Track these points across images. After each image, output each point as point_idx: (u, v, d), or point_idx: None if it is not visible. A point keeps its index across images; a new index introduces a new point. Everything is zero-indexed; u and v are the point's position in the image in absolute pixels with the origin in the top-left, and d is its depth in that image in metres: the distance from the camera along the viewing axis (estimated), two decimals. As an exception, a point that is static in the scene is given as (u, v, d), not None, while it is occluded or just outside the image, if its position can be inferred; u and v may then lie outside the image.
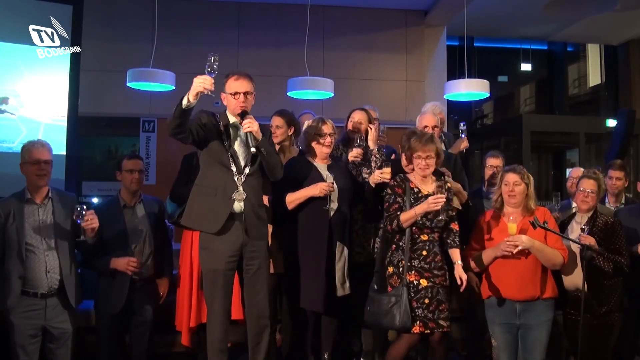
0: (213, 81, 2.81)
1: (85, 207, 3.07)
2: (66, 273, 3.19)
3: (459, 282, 3.15)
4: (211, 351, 3.09)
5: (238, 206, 3.04)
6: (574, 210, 3.72)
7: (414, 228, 3.19)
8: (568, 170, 8.30)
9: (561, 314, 3.49)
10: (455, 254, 3.21)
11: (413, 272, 3.16)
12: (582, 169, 4.14)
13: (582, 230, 3.37)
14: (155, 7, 5.84)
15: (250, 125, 2.98)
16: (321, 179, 3.40)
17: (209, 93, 2.81)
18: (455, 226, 3.24)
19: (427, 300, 3.14)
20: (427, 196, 3.17)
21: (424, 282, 3.15)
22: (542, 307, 3.27)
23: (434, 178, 3.30)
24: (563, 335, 3.60)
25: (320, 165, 3.49)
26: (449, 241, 3.24)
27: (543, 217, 3.25)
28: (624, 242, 3.36)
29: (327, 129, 3.49)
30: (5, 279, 3.11)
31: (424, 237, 3.21)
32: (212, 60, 2.81)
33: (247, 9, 7.40)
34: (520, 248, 3.16)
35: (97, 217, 3.13)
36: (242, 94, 3.03)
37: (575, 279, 3.36)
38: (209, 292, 3.10)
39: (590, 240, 3.25)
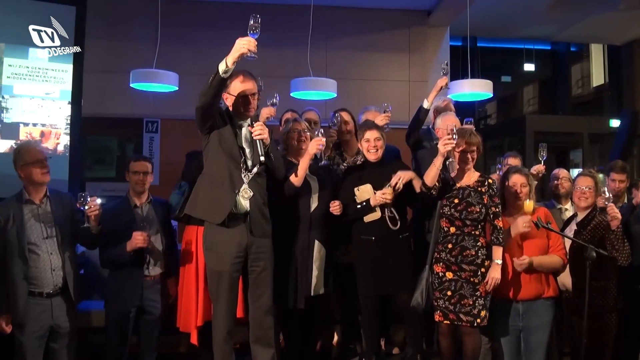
0: (256, 43, 2.68)
1: (88, 193, 3.10)
2: (68, 271, 3.20)
3: (487, 280, 3.15)
4: (217, 350, 3.07)
5: (244, 204, 3.02)
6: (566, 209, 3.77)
7: (443, 220, 3.24)
8: (571, 171, 8.28)
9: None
10: (495, 251, 3.18)
11: (441, 263, 3.22)
12: (565, 170, 4.22)
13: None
14: (158, 7, 5.85)
15: (261, 133, 2.96)
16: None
17: (252, 55, 2.67)
18: (499, 223, 3.20)
19: (449, 293, 3.19)
20: (460, 189, 3.24)
21: (449, 275, 3.20)
22: (544, 307, 3.28)
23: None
24: (554, 336, 3.59)
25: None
26: (492, 238, 3.21)
27: (545, 218, 3.27)
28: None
29: (298, 126, 3.50)
30: (11, 282, 3.08)
31: (452, 230, 3.23)
32: (254, 22, 2.72)
33: (250, 9, 7.33)
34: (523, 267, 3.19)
35: (100, 207, 3.15)
36: (252, 97, 3.00)
37: (563, 279, 3.38)
38: (214, 292, 3.08)
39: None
